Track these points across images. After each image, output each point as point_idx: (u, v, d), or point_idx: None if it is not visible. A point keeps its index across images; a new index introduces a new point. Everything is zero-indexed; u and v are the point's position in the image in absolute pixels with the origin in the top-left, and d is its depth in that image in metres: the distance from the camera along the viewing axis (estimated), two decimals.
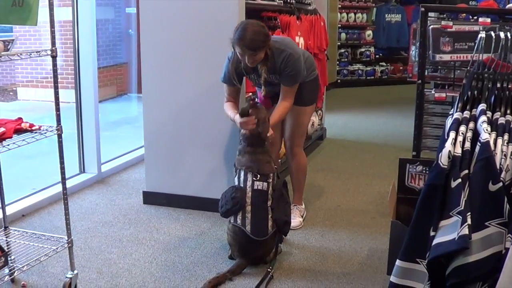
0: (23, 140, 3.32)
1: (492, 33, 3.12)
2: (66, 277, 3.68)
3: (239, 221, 3.93)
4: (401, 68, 12.97)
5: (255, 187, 3.98)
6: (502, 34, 3.11)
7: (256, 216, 3.93)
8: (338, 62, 12.36)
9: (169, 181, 5.18)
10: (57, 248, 3.63)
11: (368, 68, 12.88)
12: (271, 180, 4.05)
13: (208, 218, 4.91)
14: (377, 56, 13.06)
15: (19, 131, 3.38)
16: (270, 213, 3.97)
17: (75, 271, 3.72)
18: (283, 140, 4.81)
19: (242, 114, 4.13)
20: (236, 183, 4.08)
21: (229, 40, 4.14)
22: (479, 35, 3.17)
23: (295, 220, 4.70)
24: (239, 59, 4.22)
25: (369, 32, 12.86)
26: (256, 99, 4.61)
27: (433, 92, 4.29)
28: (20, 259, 3.52)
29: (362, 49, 12.88)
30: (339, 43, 12.31)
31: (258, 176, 4.01)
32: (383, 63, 13.08)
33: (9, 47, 3.32)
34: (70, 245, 3.70)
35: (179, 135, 5.06)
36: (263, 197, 3.98)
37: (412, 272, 2.68)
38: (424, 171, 3.74)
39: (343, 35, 12.43)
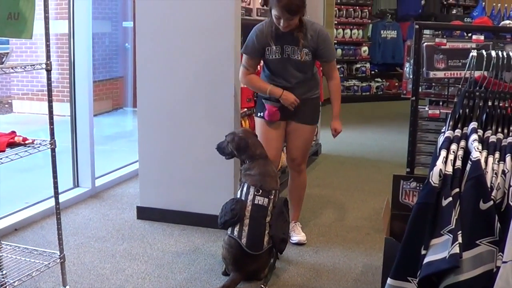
0: (16, 154, 3.33)
1: (484, 52, 3.13)
2: None
3: (235, 233, 3.93)
4: (396, 84, 13.01)
5: (256, 202, 3.99)
6: (493, 53, 3.12)
7: (252, 229, 3.93)
8: None
9: (163, 197, 5.17)
10: (49, 263, 3.62)
11: (364, 84, 12.91)
12: (272, 196, 4.06)
13: (202, 234, 4.90)
14: (372, 72, 13.10)
15: (12, 144, 3.38)
16: (268, 229, 3.97)
17: (67, 287, 3.71)
18: (288, 157, 4.78)
19: (217, 148, 4.31)
20: (238, 195, 4.09)
21: (270, 2, 4.24)
22: (471, 54, 3.18)
23: (301, 234, 4.74)
24: (270, 27, 4.29)
25: (364, 48, 12.90)
26: (260, 113, 4.60)
27: (427, 108, 4.29)
28: (11, 274, 3.51)
29: (358, 65, 12.92)
30: None
31: (260, 191, 4.02)
32: (379, 79, 13.12)
33: (3, 60, 3.33)
34: (62, 260, 3.69)
35: (174, 151, 5.06)
36: (263, 213, 3.99)
37: None
38: (418, 188, 3.74)
39: (339, 51, 12.46)
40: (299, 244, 4.67)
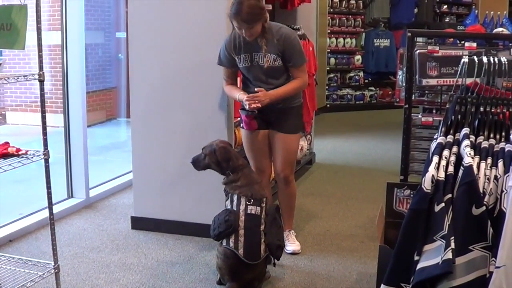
0: (10, 164, 3.33)
1: (475, 58, 3.15)
2: None
3: (231, 244, 3.91)
4: (390, 92, 13.02)
5: (248, 211, 3.98)
6: (485, 59, 3.14)
7: (249, 239, 3.92)
8: (327, 87, 12.40)
9: (158, 206, 5.17)
10: (43, 274, 3.62)
11: (357, 93, 12.92)
12: (264, 204, 4.06)
13: (196, 243, 4.90)
14: (366, 81, 13.11)
15: (5, 155, 3.39)
16: (263, 237, 3.97)
17: None
18: (274, 168, 4.77)
19: (193, 162, 4.34)
20: (229, 206, 4.08)
21: (226, 14, 4.26)
22: (462, 60, 3.20)
23: (295, 244, 4.73)
24: (235, 37, 4.34)
25: (358, 57, 12.91)
26: (242, 124, 4.61)
27: (420, 116, 4.31)
28: (6, 284, 3.50)
29: (351, 74, 12.93)
30: (328, 68, 12.35)
31: (252, 200, 4.02)
32: (372, 88, 13.13)
33: None
34: (57, 270, 3.69)
35: (167, 161, 5.07)
36: (257, 222, 3.98)
37: None
38: (411, 195, 3.75)
39: (332, 60, 12.48)
40: (293, 253, 4.67)
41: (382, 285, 2.72)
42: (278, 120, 4.49)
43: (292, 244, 4.72)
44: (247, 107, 4.30)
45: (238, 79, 4.66)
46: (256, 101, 4.25)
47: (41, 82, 3.47)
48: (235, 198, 4.07)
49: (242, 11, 4.11)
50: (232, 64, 4.46)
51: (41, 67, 3.46)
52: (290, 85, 4.40)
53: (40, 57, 3.46)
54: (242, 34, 4.25)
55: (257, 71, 4.41)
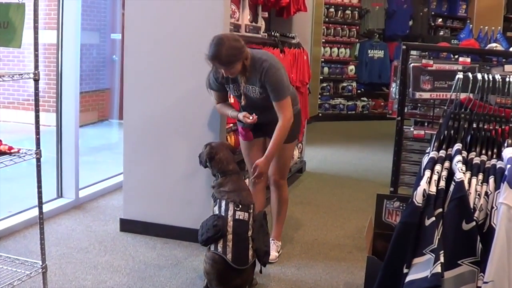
0: (1, 162, 3.32)
1: (470, 74, 3.17)
2: None
3: (219, 249, 3.92)
4: (382, 103, 13.08)
5: (237, 217, 3.99)
6: (479, 76, 3.16)
7: (237, 245, 3.93)
8: (320, 96, 12.44)
9: (147, 209, 5.16)
10: (30, 273, 3.61)
11: (350, 103, 12.97)
12: (251, 210, 4.07)
13: (184, 247, 4.89)
14: (358, 91, 13.17)
15: None
16: (251, 242, 3.98)
17: None
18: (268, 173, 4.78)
19: (199, 156, 4.39)
20: (217, 212, 4.08)
21: (204, 55, 4.17)
22: (457, 76, 3.22)
23: (271, 253, 4.70)
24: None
25: (351, 67, 12.97)
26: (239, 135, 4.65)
27: (412, 129, 4.33)
28: None
29: (344, 84, 12.99)
30: (321, 77, 12.40)
31: (240, 206, 4.03)
32: (365, 98, 13.19)
33: None
34: (44, 270, 3.68)
35: (158, 164, 5.06)
36: (244, 227, 4.00)
37: None
38: (401, 207, 3.76)
39: (325, 69, 12.53)
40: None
41: None
42: (274, 129, 4.45)
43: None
44: (243, 122, 4.39)
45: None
46: (250, 119, 4.30)
47: (36, 81, 3.47)
48: (223, 203, 4.08)
49: (221, 54, 4.07)
50: (223, 88, 4.48)
51: (36, 66, 3.46)
52: (276, 134, 4.29)
53: (36, 56, 3.46)
54: (221, 73, 4.25)
55: (250, 99, 4.41)
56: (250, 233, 4.01)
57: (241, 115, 4.40)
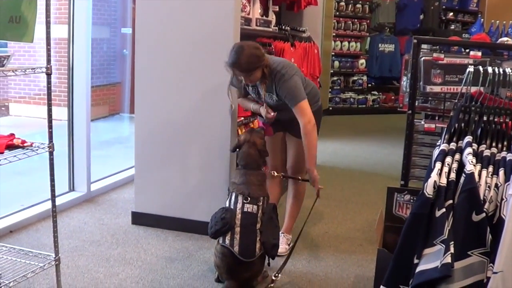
0: (15, 156, 3.35)
1: (480, 68, 3.18)
2: None
3: (227, 242, 3.94)
4: (392, 97, 13.06)
5: (245, 209, 4.01)
6: (490, 69, 3.17)
7: (244, 237, 3.95)
8: (330, 90, 12.44)
9: (158, 202, 5.19)
10: (44, 266, 3.64)
11: (360, 97, 12.96)
12: (261, 203, 4.09)
13: (196, 240, 4.92)
14: (369, 85, 13.15)
15: (11, 147, 3.40)
16: (259, 235, 3.99)
17: None
18: (287, 164, 4.83)
19: (233, 150, 4.41)
20: (227, 204, 4.11)
21: (224, 63, 4.22)
22: (467, 69, 3.23)
23: (281, 246, 4.71)
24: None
25: (362, 61, 12.95)
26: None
27: (422, 122, 4.32)
28: (6, 275, 3.52)
29: (355, 78, 12.97)
30: (332, 71, 12.40)
31: (248, 199, 4.05)
32: (375, 92, 13.16)
33: (4, 63, 3.35)
34: (57, 262, 3.71)
35: (169, 157, 5.09)
36: (253, 220, 4.01)
37: None
38: (411, 201, 3.77)
39: (336, 63, 12.52)
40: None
41: (381, 286, 2.74)
42: (294, 126, 4.47)
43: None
44: (264, 118, 4.49)
45: None
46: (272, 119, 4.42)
47: (49, 75, 3.49)
48: (233, 196, 4.11)
49: (240, 61, 4.13)
50: (244, 86, 4.56)
51: (49, 60, 3.48)
52: (304, 141, 4.35)
53: (48, 50, 3.48)
54: (241, 80, 4.33)
55: (269, 103, 4.50)
56: (258, 225, 4.01)
57: (263, 109, 4.48)
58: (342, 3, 12.40)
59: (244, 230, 3.96)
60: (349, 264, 4.61)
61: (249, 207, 4.03)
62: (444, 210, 2.59)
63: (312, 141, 4.35)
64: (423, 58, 4.16)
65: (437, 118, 4.81)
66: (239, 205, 4.03)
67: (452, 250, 2.47)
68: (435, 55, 4.19)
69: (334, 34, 12.23)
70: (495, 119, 3.04)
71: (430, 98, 4.62)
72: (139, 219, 5.26)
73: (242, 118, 5.30)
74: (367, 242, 5.04)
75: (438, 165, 2.74)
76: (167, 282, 4.15)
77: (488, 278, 2.46)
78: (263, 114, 4.51)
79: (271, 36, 5.99)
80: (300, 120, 4.32)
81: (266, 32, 5.85)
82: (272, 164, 4.81)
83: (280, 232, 4.78)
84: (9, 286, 3.45)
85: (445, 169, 2.72)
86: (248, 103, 4.68)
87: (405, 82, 5.18)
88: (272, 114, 4.44)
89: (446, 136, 3.01)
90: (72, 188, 5.98)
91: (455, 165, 2.74)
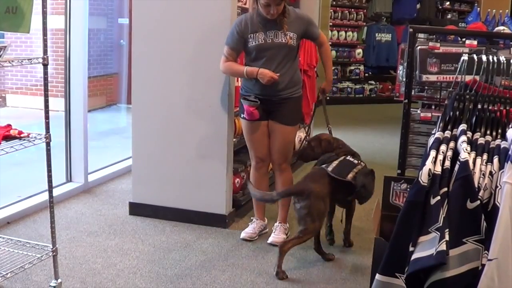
0: (12, 147, 3.36)
1: (475, 56, 3.18)
2: (50, 285, 3.72)
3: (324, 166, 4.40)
4: (390, 87, 13.05)
5: (348, 158, 4.55)
6: (484, 57, 3.17)
7: (340, 165, 4.42)
8: None
9: (156, 193, 5.20)
10: (41, 256, 3.65)
11: (357, 86, 12.96)
12: (358, 162, 4.57)
13: (193, 230, 4.93)
14: (366, 75, 13.15)
15: (7, 137, 3.41)
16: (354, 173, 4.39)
17: (59, 280, 3.74)
18: (270, 156, 4.80)
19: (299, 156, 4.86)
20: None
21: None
22: (462, 58, 3.23)
23: (279, 236, 4.73)
24: (252, 16, 4.48)
25: (359, 51, 12.94)
26: (242, 115, 4.65)
27: (419, 111, 4.33)
28: (4, 266, 3.53)
29: (352, 67, 12.97)
30: None
31: (354, 155, 4.67)
32: (372, 82, 13.16)
33: (1, 53, 3.35)
34: (54, 253, 3.72)
35: (167, 147, 5.10)
36: (351, 164, 4.49)
37: (391, 286, 2.71)
38: (408, 189, 3.77)
39: (333, 53, 12.49)
40: (272, 244, 4.68)
41: (377, 274, 2.75)
42: (278, 111, 4.54)
43: (276, 236, 4.75)
44: (264, 81, 4.39)
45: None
46: (268, 76, 4.42)
47: (45, 66, 3.49)
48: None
49: None
50: (241, 44, 4.52)
51: (45, 51, 3.48)
52: (327, 59, 4.85)
53: (45, 41, 3.48)
54: (268, 12, 4.34)
55: (270, 49, 4.49)
56: (355, 170, 4.42)
57: (266, 71, 4.43)
58: None
59: (341, 163, 4.47)
60: (346, 253, 4.63)
61: (351, 158, 4.55)
62: (439, 197, 2.59)
63: (330, 56, 4.96)
64: (419, 47, 4.17)
65: (433, 107, 4.82)
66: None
67: (447, 237, 2.48)
68: (431, 44, 4.20)
69: (331, 23, 12.18)
70: (490, 107, 3.05)
71: (426, 87, 4.63)
72: (136, 209, 5.27)
73: (239, 108, 5.29)
74: (364, 231, 5.05)
75: (432, 153, 2.74)
76: (165, 272, 4.17)
77: (483, 265, 2.46)
78: (264, 76, 4.40)
79: None
80: (324, 46, 4.79)
81: None
82: (256, 155, 4.77)
83: (277, 223, 4.80)
84: (7, 277, 3.47)
85: (440, 157, 2.72)
86: (239, 66, 4.61)
87: (401, 71, 5.18)
88: (277, 75, 4.42)
89: (441, 125, 3.02)
90: (69, 179, 5.99)
91: (449, 153, 2.75)
